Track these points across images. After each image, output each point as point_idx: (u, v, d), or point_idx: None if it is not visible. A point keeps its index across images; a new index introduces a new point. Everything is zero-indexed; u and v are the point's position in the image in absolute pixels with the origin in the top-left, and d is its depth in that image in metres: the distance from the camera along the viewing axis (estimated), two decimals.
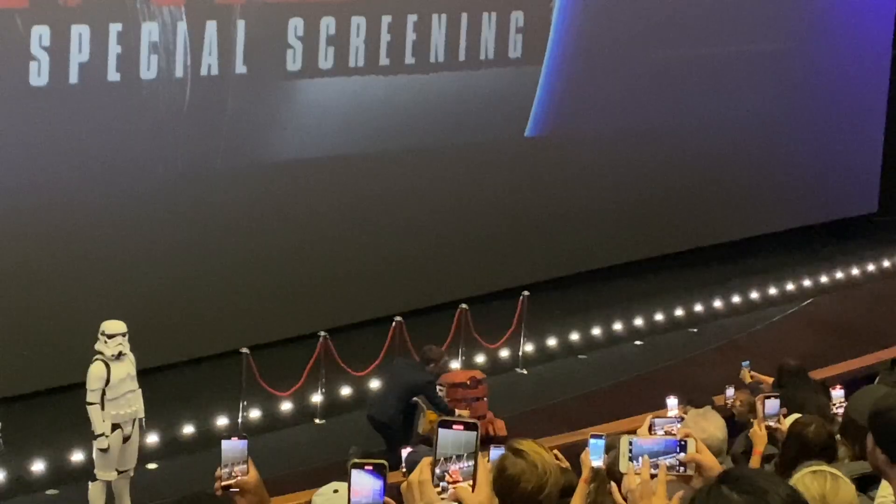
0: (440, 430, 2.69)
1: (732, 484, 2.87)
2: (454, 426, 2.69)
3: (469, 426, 2.69)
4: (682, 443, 3.48)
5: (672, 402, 9.02)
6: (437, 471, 2.66)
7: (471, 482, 2.65)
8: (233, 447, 3.90)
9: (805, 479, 3.63)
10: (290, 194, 14.74)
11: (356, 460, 3.07)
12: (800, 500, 2.89)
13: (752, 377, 11.25)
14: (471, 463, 2.66)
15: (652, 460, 3.50)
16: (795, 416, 7.17)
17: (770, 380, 10.91)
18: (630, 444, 3.56)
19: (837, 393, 8.49)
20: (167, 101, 13.57)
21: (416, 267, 15.91)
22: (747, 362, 11.53)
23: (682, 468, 3.47)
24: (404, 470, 9.83)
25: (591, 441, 6.40)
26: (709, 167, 18.86)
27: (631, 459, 3.56)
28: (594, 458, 6.36)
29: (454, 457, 2.66)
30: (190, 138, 13.89)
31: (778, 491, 2.84)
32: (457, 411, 12.19)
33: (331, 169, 15.05)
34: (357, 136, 15.19)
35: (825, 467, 3.81)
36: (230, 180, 14.25)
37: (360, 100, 15.13)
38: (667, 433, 6.19)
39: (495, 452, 7.65)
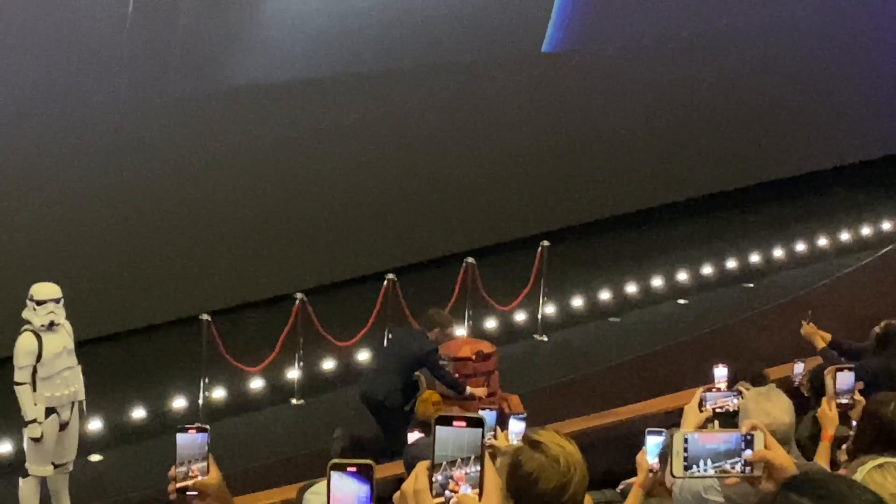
0: (437, 427, 2.66)
1: (803, 489, 2.83)
2: (454, 423, 2.67)
3: (472, 422, 2.67)
4: (748, 437, 3.45)
5: (720, 372, 8.99)
6: (439, 477, 2.64)
7: (477, 490, 2.64)
8: (190, 442, 3.89)
9: (874, 475, 3.62)
10: (254, 125, 14.72)
11: (336, 461, 3.03)
12: None
13: (809, 326, 11.14)
14: (477, 468, 2.64)
15: (715, 465, 3.48)
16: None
17: (828, 336, 10.91)
18: (685, 441, 3.52)
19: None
20: (106, 16, 13.50)
21: (412, 213, 15.90)
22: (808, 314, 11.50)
23: (748, 468, 3.46)
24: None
25: (649, 438, 6.36)
26: (759, 85, 18.77)
27: (686, 461, 3.53)
28: (651, 457, 6.33)
29: (459, 460, 2.64)
30: (134, 59, 13.83)
31: (860, 498, 2.79)
32: (468, 388, 12.20)
33: (303, 95, 15.01)
34: (336, 55, 15.13)
35: (891, 459, 3.79)
36: (183, 109, 14.22)
37: (340, 11, 15.04)
38: (720, 407, 6.16)
39: (516, 425, 7.67)
